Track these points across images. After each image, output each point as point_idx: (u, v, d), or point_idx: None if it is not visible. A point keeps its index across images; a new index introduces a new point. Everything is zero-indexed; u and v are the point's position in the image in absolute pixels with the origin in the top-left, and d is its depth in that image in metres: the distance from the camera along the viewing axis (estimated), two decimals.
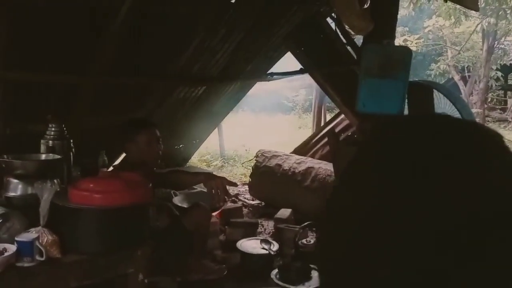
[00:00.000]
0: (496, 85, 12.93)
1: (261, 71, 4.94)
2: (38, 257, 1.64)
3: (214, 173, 5.13)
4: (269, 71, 5.06)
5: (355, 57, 3.93)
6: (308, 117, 10.53)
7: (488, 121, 12.25)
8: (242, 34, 3.81)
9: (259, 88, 7.82)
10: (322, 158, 5.01)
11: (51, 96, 3.01)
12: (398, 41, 10.49)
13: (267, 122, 11.42)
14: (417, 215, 0.38)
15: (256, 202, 4.91)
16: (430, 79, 11.79)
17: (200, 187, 3.47)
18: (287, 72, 4.87)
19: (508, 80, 14.39)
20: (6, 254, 1.59)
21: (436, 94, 3.63)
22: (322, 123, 7.22)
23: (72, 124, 2.75)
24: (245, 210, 4.62)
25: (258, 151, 5.04)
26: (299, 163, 4.62)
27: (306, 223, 3.32)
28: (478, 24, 11.56)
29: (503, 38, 12.43)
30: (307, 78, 6.39)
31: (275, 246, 3.24)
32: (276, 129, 10.20)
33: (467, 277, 0.36)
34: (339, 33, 4.02)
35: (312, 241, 3.32)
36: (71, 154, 2.32)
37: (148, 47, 3.22)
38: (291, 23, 4.10)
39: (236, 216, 4.08)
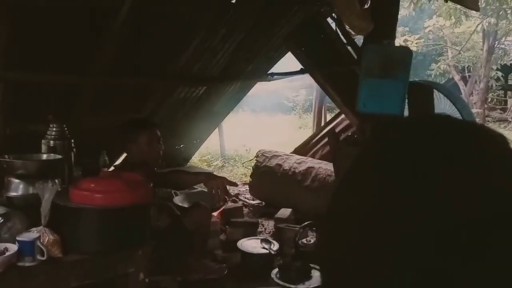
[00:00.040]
0: (496, 85, 12.92)
1: (261, 71, 4.94)
2: (39, 257, 1.64)
3: (214, 173, 5.13)
4: (270, 71, 5.06)
5: (355, 57, 3.94)
6: (309, 117, 10.53)
7: (488, 121, 12.25)
8: (242, 34, 3.81)
9: (260, 88, 7.82)
10: (322, 158, 5.01)
11: (51, 96, 3.01)
12: (398, 41, 10.48)
13: (268, 122, 11.42)
14: (417, 215, 0.38)
15: (256, 202, 4.92)
16: (431, 79, 11.79)
17: (200, 187, 3.48)
18: (288, 72, 4.88)
19: (509, 80, 14.38)
20: (7, 253, 1.60)
21: (436, 94, 3.63)
22: (323, 123, 7.22)
23: (72, 124, 2.75)
24: (245, 210, 4.63)
25: (259, 151, 5.05)
26: (299, 163, 4.62)
27: (306, 223, 3.33)
28: (478, 24, 11.56)
29: (503, 38, 12.43)
30: (307, 78, 6.39)
31: (275, 246, 3.24)
32: (276, 129, 10.20)
33: (467, 277, 0.36)
34: (340, 33, 4.03)
35: (312, 241, 3.32)
36: (72, 154, 2.32)
37: (149, 47, 3.22)
38: (291, 23, 4.10)
39: (237, 216, 4.09)
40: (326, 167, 4.41)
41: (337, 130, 5.13)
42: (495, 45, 12.32)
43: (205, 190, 2.68)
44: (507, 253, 0.36)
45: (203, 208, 2.87)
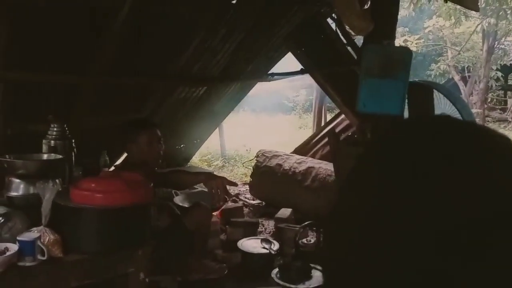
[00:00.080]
0: (496, 85, 12.93)
1: (261, 71, 4.94)
2: (40, 257, 1.65)
3: (215, 173, 5.13)
4: (270, 71, 5.06)
5: (355, 57, 3.94)
6: (309, 117, 10.53)
7: (488, 121, 12.25)
8: (242, 34, 3.81)
9: (260, 88, 7.82)
10: (322, 158, 5.01)
11: (52, 96, 3.01)
12: (398, 42, 10.48)
13: (268, 122, 11.43)
14: (417, 215, 0.38)
15: (256, 201, 4.92)
16: (430, 79, 11.79)
17: (201, 187, 3.48)
18: (288, 72, 4.88)
19: (508, 80, 14.38)
20: (8, 253, 1.60)
21: (436, 95, 3.63)
22: (323, 123, 7.22)
23: (73, 124, 2.75)
24: (245, 210, 4.63)
25: (259, 151, 5.05)
26: (299, 163, 4.63)
27: (306, 223, 3.33)
28: (478, 25, 11.56)
29: (503, 39, 12.43)
30: (307, 78, 6.39)
31: (275, 246, 3.25)
32: (276, 129, 10.20)
33: (467, 277, 0.36)
34: (340, 34, 4.03)
35: (312, 241, 3.33)
36: (73, 154, 2.33)
37: (149, 47, 3.22)
38: (291, 23, 4.10)
39: (237, 216, 4.09)
40: (326, 167, 4.41)
41: (337, 130, 5.13)
42: (495, 45, 12.32)
43: (206, 190, 2.68)
44: (507, 253, 0.36)
45: (203, 208, 2.87)
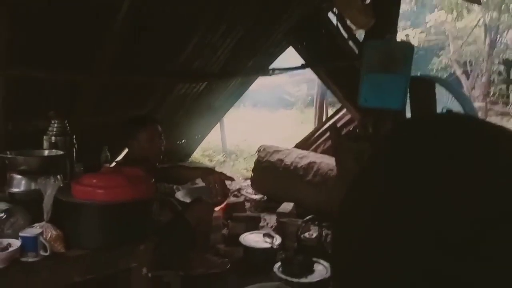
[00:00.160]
0: (498, 79, 12.87)
1: (262, 66, 4.94)
2: (42, 252, 1.65)
3: (216, 168, 5.14)
4: (271, 66, 5.05)
5: (356, 52, 3.93)
6: (310, 112, 10.51)
7: (490, 115, 12.21)
8: (243, 30, 3.81)
9: (261, 83, 7.81)
10: (324, 152, 5.02)
11: (53, 92, 3.01)
12: (400, 36, 10.45)
13: (269, 117, 11.42)
14: (417, 216, 0.38)
15: (258, 196, 4.93)
16: (432, 73, 11.75)
17: (201, 182, 3.48)
18: (289, 67, 4.87)
19: (511, 74, 14.31)
20: (10, 249, 1.60)
21: (438, 89, 3.62)
22: (324, 118, 7.22)
23: (74, 120, 2.76)
24: (247, 205, 4.64)
25: (260, 146, 5.05)
26: (301, 157, 4.63)
27: (308, 217, 3.33)
28: (480, 18, 11.49)
29: (505, 32, 12.36)
30: (308, 73, 6.38)
31: (277, 240, 3.25)
32: (278, 124, 10.19)
33: (468, 277, 0.36)
34: (341, 28, 4.02)
35: (314, 235, 3.33)
36: (74, 150, 2.33)
37: (149, 44, 3.22)
38: (292, 18, 4.09)
39: (239, 211, 4.10)
40: (327, 162, 4.41)
41: (338, 124, 5.13)
42: (497, 39, 12.26)
43: None
44: (507, 252, 0.36)
45: (204, 203, 2.88)
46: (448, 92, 3.64)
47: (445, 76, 12.31)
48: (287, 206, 3.99)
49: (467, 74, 12.88)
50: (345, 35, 4.05)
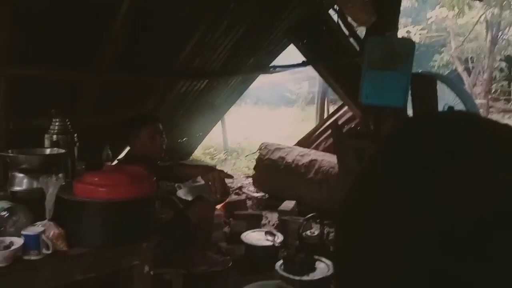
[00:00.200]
0: (500, 76, 12.83)
1: (264, 64, 4.93)
2: (44, 250, 1.65)
3: (217, 166, 5.14)
4: (272, 64, 5.05)
5: (357, 49, 3.92)
6: (311, 110, 10.50)
7: (492, 112, 12.19)
8: (244, 27, 3.80)
9: (262, 81, 7.81)
10: (325, 150, 5.01)
11: (54, 91, 3.01)
12: (401, 33, 10.41)
13: (270, 115, 11.41)
14: (421, 216, 0.38)
15: (260, 194, 4.93)
16: (434, 70, 11.72)
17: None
18: (290, 64, 4.86)
19: None
20: (13, 247, 1.61)
21: (440, 86, 3.61)
22: (325, 116, 7.20)
23: (76, 119, 2.76)
24: (249, 203, 4.64)
25: (262, 143, 5.05)
26: (302, 155, 4.63)
27: (310, 215, 3.33)
28: (482, 15, 11.46)
29: (507, 29, 12.32)
30: (309, 70, 6.37)
31: (279, 238, 3.25)
32: (279, 122, 10.18)
33: (472, 277, 0.36)
34: (342, 25, 4.01)
35: (316, 233, 3.33)
36: (75, 148, 2.33)
37: (149, 44, 3.21)
38: (293, 16, 4.08)
39: (240, 209, 4.10)
40: (329, 160, 4.41)
41: (340, 122, 5.12)
42: (499, 36, 12.22)
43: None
44: (509, 252, 0.36)
45: (206, 201, 2.89)
46: (450, 89, 3.63)
47: (446, 73, 12.26)
48: (288, 204, 3.99)
49: (468, 71, 12.84)
50: (346, 32, 4.04)
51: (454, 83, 3.96)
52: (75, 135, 2.34)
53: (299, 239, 3.25)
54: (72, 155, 2.29)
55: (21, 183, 1.98)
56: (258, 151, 4.99)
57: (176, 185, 3.25)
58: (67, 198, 1.79)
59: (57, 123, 2.29)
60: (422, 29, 12.39)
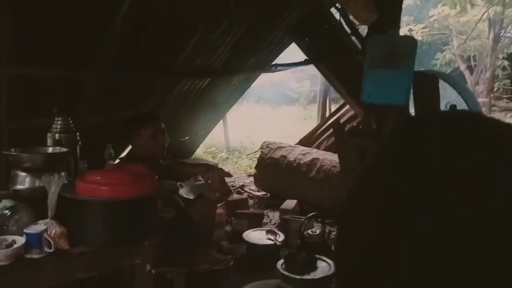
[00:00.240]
0: (502, 74, 12.80)
1: (265, 62, 4.92)
2: (47, 249, 1.66)
3: (219, 165, 5.15)
4: (274, 63, 5.04)
5: (359, 47, 3.91)
6: (313, 108, 10.49)
7: (494, 110, 12.16)
8: (244, 27, 3.80)
9: (264, 80, 7.81)
10: (327, 149, 5.01)
11: (56, 90, 3.02)
12: (403, 31, 10.40)
13: (272, 114, 11.40)
14: (422, 215, 0.38)
15: (261, 193, 4.93)
16: (436, 68, 11.70)
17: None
18: (292, 63, 4.86)
19: None
20: (15, 246, 1.61)
21: (442, 84, 3.60)
22: (327, 114, 7.20)
23: (78, 118, 2.76)
24: (250, 201, 4.64)
25: (263, 142, 5.05)
26: (304, 154, 4.62)
27: (311, 214, 3.33)
28: (484, 13, 11.43)
29: (509, 27, 12.28)
30: (311, 69, 6.37)
31: (280, 237, 3.26)
32: (281, 121, 10.18)
33: (473, 277, 0.36)
34: (344, 24, 4.00)
35: (317, 232, 3.33)
36: (78, 147, 2.33)
37: (149, 43, 3.21)
38: (294, 14, 4.07)
39: (242, 207, 4.11)
40: (331, 158, 4.41)
41: (341, 121, 5.12)
42: (501, 34, 12.18)
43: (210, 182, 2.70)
44: (509, 252, 0.36)
45: (207, 200, 2.89)
46: (452, 88, 3.62)
47: (448, 71, 12.24)
48: (290, 203, 4.00)
49: (471, 69, 12.82)
50: (348, 31, 4.03)
51: (457, 81, 3.95)
52: (77, 134, 2.34)
53: (301, 238, 3.25)
54: (75, 154, 2.30)
55: (24, 181, 1.98)
56: (260, 150, 4.99)
57: (178, 183, 3.25)
58: (69, 197, 1.79)
59: (59, 122, 2.30)
60: (424, 27, 12.36)
